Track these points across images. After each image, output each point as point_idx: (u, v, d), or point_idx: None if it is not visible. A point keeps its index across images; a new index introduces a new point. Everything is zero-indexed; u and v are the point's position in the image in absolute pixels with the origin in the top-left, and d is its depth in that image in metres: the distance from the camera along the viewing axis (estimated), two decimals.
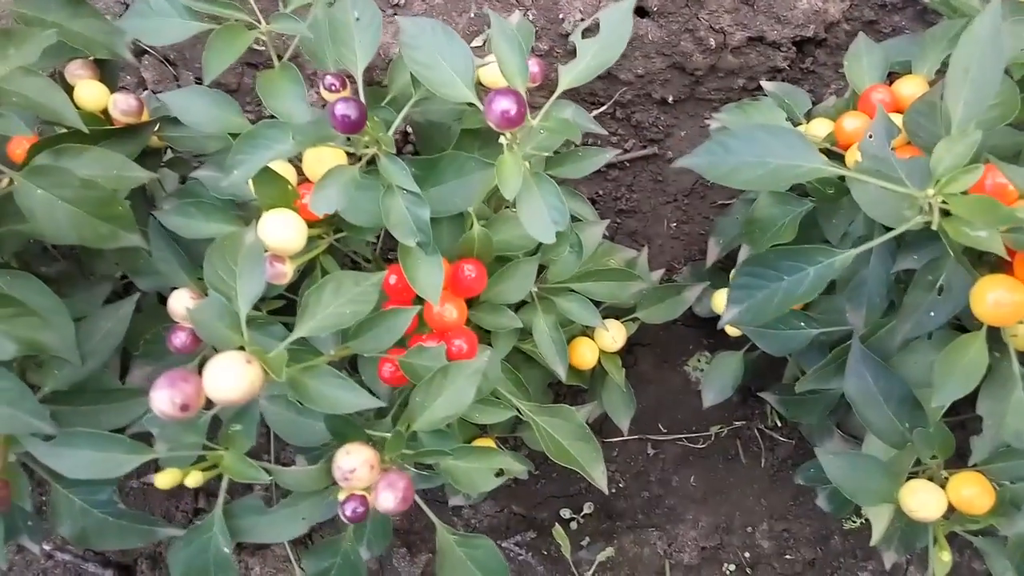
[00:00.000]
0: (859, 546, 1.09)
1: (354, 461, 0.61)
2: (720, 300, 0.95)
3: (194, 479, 0.62)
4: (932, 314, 0.67)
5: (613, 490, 0.78)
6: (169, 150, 0.93)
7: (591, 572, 1.08)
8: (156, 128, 0.86)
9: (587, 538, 1.11)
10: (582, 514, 1.11)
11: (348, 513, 0.60)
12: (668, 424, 1.14)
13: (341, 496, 0.62)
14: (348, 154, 0.75)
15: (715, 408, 1.00)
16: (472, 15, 1.13)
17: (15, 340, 0.61)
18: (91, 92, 0.83)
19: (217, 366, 0.55)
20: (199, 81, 1.22)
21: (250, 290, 0.63)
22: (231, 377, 0.55)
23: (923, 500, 0.68)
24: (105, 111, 0.85)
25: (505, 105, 0.60)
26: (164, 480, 0.62)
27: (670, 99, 1.13)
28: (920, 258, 0.72)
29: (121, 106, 0.83)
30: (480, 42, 1.13)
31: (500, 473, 0.72)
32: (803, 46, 1.10)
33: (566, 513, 1.11)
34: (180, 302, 0.74)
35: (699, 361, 1.13)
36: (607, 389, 0.97)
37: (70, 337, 0.71)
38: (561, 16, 1.09)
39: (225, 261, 0.64)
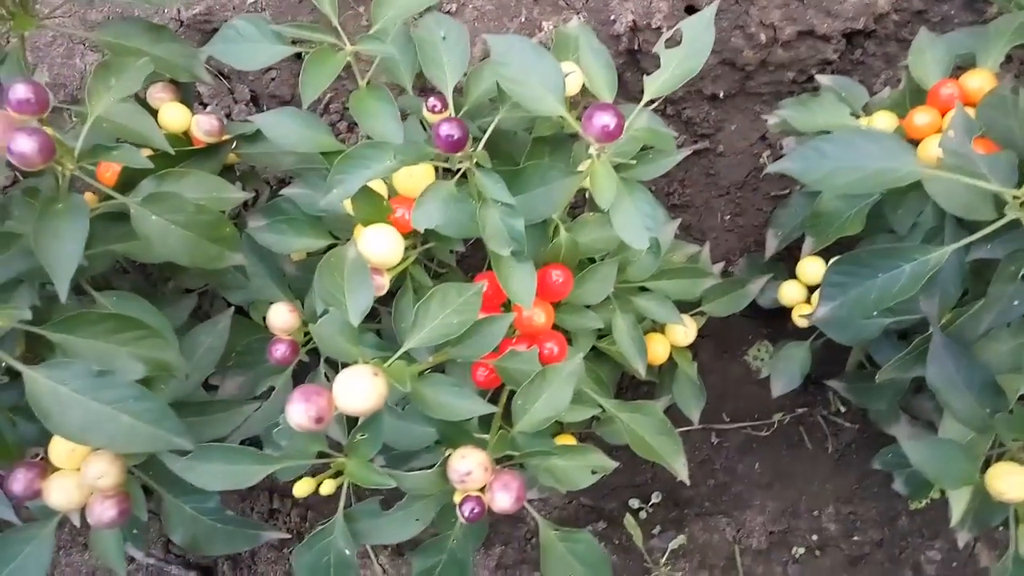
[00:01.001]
0: (925, 525, 1.12)
1: (469, 464, 0.63)
2: (788, 292, 0.97)
3: (328, 487, 0.65)
4: (1016, 303, 0.69)
5: (680, 479, 0.81)
6: (235, 166, 0.96)
7: (664, 560, 1.11)
8: (233, 146, 0.89)
9: (658, 527, 1.13)
10: (650, 504, 1.14)
11: (466, 514, 0.63)
12: (731, 413, 1.16)
13: (457, 498, 0.65)
14: (436, 168, 0.77)
15: (777, 396, 1.02)
16: (523, 19, 1.15)
17: (143, 360, 0.65)
18: (175, 114, 0.86)
19: (347, 379, 0.58)
20: (254, 93, 1.25)
21: (359, 303, 0.66)
22: (362, 389, 0.58)
23: (1012, 482, 0.70)
24: (186, 132, 0.88)
25: (606, 120, 0.62)
26: (302, 489, 0.65)
27: (720, 94, 1.15)
28: (995, 248, 0.73)
29: (204, 127, 0.85)
30: None
31: (595, 471, 0.75)
32: (852, 38, 1.11)
33: (635, 503, 1.14)
34: (279, 316, 0.77)
35: (759, 351, 1.16)
36: (678, 382, 1.00)
37: (177, 353, 0.74)
38: (612, 18, 1.10)
39: (334, 277, 0.66)
